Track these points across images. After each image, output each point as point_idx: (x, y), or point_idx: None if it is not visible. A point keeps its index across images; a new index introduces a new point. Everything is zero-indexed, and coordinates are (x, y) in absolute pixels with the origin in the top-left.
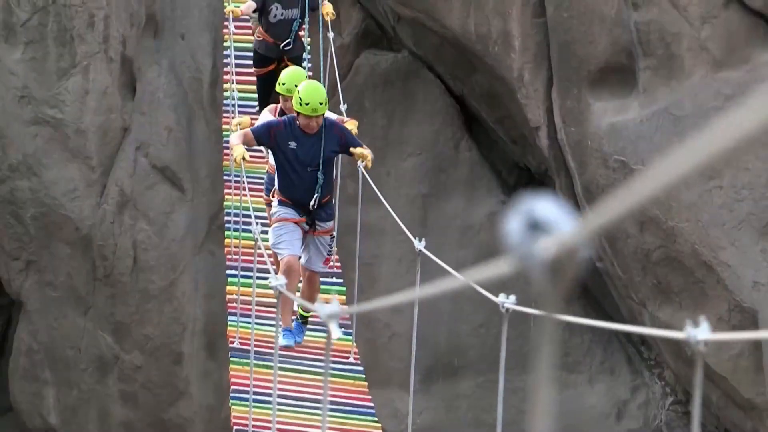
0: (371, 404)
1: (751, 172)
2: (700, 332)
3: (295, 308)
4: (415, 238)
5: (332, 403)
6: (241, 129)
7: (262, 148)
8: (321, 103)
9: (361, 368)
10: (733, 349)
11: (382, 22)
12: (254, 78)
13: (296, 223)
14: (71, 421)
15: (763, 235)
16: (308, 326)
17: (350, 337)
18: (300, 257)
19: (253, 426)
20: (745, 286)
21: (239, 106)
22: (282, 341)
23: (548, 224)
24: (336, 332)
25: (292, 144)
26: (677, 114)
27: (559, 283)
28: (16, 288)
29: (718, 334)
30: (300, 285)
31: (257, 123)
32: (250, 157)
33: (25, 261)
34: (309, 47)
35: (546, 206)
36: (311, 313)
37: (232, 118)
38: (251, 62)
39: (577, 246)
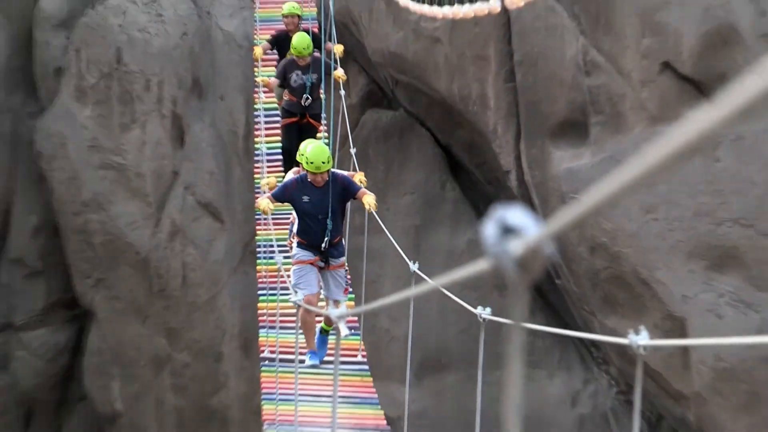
0: (375, 396)
1: (681, 207)
2: (640, 339)
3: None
4: (410, 260)
5: (343, 396)
6: (268, 188)
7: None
8: (323, 162)
9: (366, 366)
10: (666, 350)
11: (383, 86)
12: (278, 132)
13: (312, 263)
14: (133, 408)
15: (690, 258)
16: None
17: (358, 337)
18: (318, 292)
19: (279, 420)
20: (676, 299)
21: (267, 154)
22: (309, 362)
23: (517, 228)
24: (344, 330)
25: (305, 198)
26: (621, 160)
27: (527, 275)
28: (88, 301)
29: (653, 341)
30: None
31: (282, 182)
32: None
33: (95, 279)
34: (323, 103)
35: (515, 213)
36: (331, 327)
37: (261, 170)
38: (276, 119)
39: (542, 245)
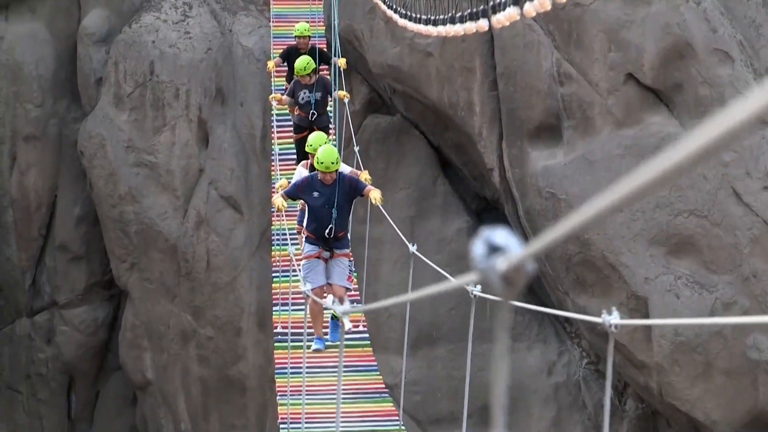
0: (375, 364)
1: (643, 199)
2: (612, 318)
3: (325, 319)
4: (409, 243)
5: (347, 366)
6: (281, 189)
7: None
8: (333, 162)
9: (367, 335)
10: (631, 326)
11: (382, 95)
12: (290, 134)
13: (318, 257)
14: (162, 376)
15: (651, 244)
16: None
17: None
18: (323, 286)
19: (291, 392)
20: (639, 280)
21: (280, 154)
22: (314, 347)
23: (503, 247)
24: (348, 324)
25: (315, 194)
26: (591, 159)
27: (511, 289)
28: (124, 282)
29: (624, 320)
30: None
31: (293, 178)
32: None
33: (130, 263)
34: (331, 116)
35: (501, 234)
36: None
37: (275, 168)
38: (289, 125)
39: (524, 263)
